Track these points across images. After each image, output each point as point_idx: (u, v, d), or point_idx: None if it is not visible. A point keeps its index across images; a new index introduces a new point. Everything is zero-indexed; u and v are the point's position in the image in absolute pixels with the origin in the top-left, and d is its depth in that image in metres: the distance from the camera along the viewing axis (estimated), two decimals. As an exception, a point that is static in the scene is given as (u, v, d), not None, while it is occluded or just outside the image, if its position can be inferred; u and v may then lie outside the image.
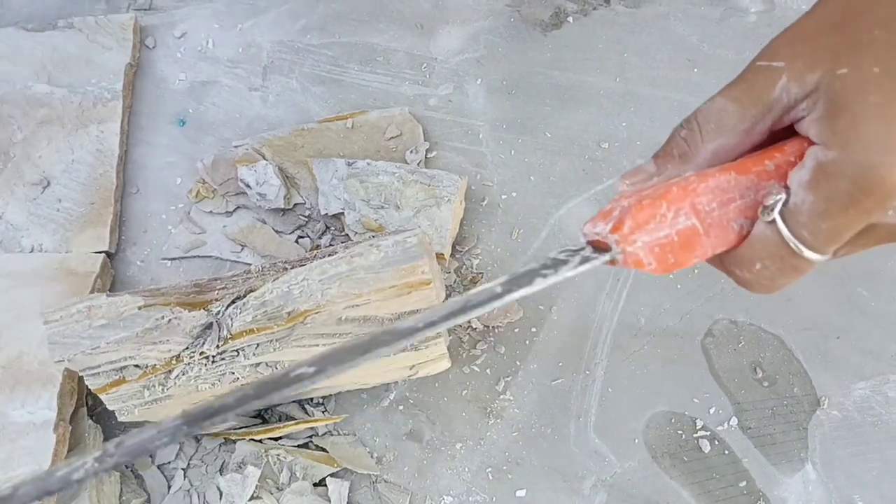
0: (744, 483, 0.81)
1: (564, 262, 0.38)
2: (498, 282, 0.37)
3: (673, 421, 0.84)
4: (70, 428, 0.82)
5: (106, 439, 0.87)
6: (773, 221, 0.36)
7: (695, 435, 0.83)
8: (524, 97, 0.95)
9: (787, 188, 0.36)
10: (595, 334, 0.87)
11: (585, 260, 0.39)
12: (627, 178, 0.41)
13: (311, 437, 0.88)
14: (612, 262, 0.39)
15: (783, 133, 0.38)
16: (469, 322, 0.87)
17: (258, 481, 0.85)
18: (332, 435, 0.89)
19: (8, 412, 0.80)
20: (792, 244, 0.36)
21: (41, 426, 0.79)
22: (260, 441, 0.88)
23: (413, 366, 0.79)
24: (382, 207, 0.88)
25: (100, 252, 0.92)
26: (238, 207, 0.94)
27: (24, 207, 0.96)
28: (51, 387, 0.80)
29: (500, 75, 0.96)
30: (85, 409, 0.86)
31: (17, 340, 0.84)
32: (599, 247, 0.39)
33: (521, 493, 0.83)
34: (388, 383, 0.88)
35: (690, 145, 0.39)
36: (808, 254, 0.36)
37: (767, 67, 0.37)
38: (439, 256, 0.88)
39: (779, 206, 0.36)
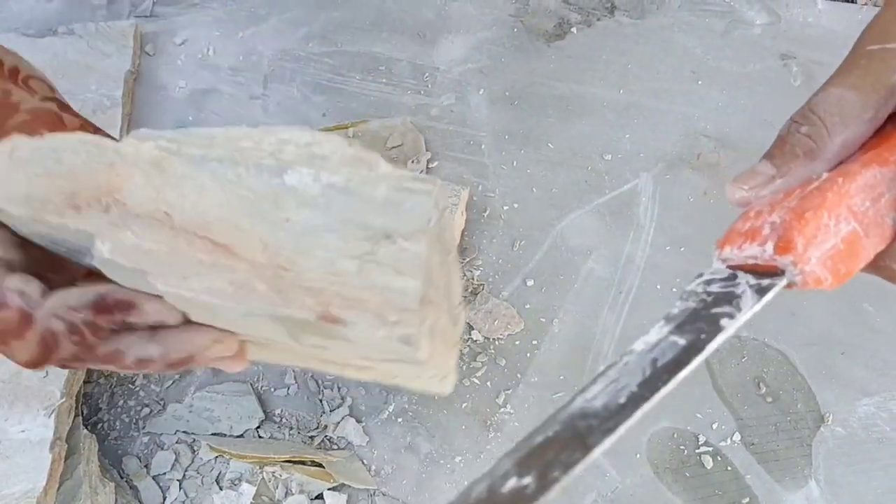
0: (746, 500, 0.81)
1: (737, 297, 0.36)
2: (674, 337, 0.36)
3: (675, 436, 0.84)
4: (66, 446, 0.82)
5: (101, 450, 0.88)
6: None
7: (697, 450, 0.83)
8: (527, 108, 0.96)
9: None
10: (597, 347, 0.88)
11: (762, 289, 0.37)
12: (744, 183, 0.39)
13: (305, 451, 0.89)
14: (790, 285, 0.38)
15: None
16: (469, 334, 0.88)
17: (253, 498, 0.86)
18: (327, 450, 0.89)
19: (6, 428, 0.80)
20: None
21: (37, 444, 0.80)
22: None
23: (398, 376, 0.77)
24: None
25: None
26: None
27: (22, 214, 0.97)
28: (48, 405, 0.81)
29: (502, 86, 0.97)
30: (80, 419, 0.87)
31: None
32: (759, 271, 0.38)
33: (520, 509, 0.83)
34: (388, 394, 0.88)
35: (816, 141, 0.38)
36: None
37: (882, 50, 0.36)
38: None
39: None
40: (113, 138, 0.51)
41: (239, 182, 0.51)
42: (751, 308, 0.36)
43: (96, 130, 0.59)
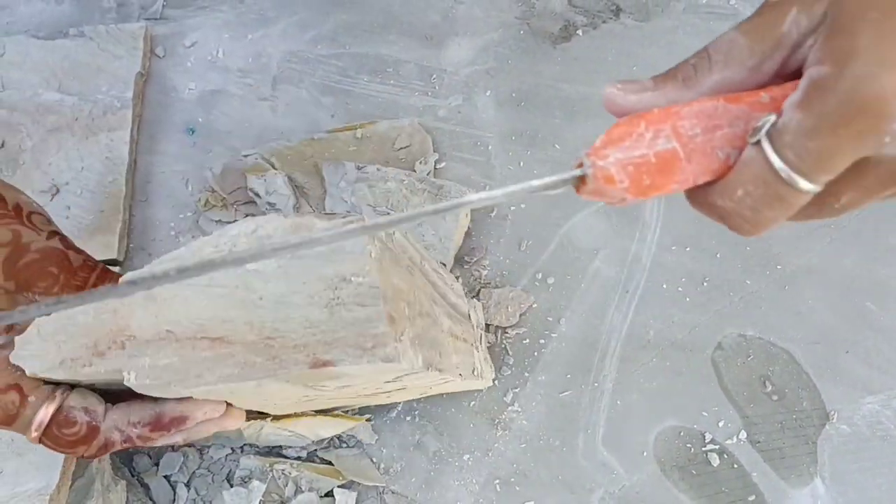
0: (753, 497, 0.82)
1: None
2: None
3: (682, 434, 0.85)
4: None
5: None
6: (759, 143, 0.35)
7: (704, 448, 0.84)
8: (533, 109, 0.97)
9: (779, 114, 0.35)
10: (604, 346, 0.89)
11: (561, 181, 0.39)
12: (621, 84, 0.40)
13: (315, 450, 0.90)
14: (584, 179, 0.39)
15: (791, 80, 0.38)
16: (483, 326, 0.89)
17: (263, 495, 0.87)
18: (336, 448, 0.90)
19: (17, 423, 0.81)
20: (776, 165, 0.35)
21: (49, 438, 0.80)
22: (265, 455, 0.89)
23: (431, 387, 0.80)
24: (388, 213, 0.90)
25: (108, 259, 0.94)
26: (247, 216, 0.96)
27: (33, 215, 0.98)
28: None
29: (509, 87, 0.98)
30: (91, 416, 0.87)
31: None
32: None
33: (528, 506, 0.85)
34: (396, 394, 0.89)
35: (697, 72, 0.38)
36: (795, 178, 0.34)
37: (779, 1, 0.36)
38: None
39: (766, 126, 0.35)
40: (114, 269, 0.59)
41: (212, 283, 0.60)
42: (530, 184, 0.38)
43: (95, 264, 0.67)
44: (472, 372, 0.80)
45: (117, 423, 0.64)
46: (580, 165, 0.39)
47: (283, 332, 0.60)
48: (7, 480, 0.79)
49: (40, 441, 0.62)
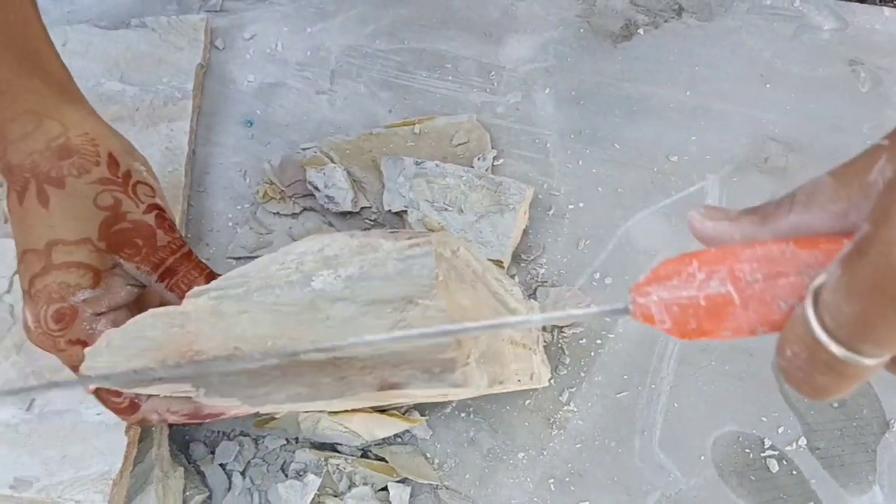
0: (812, 504, 0.82)
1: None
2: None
3: (741, 439, 0.85)
4: (139, 430, 0.84)
5: (171, 437, 0.90)
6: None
7: (762, 454, 0.84)
8: (593, 108, 0.97)
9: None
10: (661, 348, 0.89)
11: (604, 313, 0.39)
12: (704, 208, 0.39)
13: (369, 446, 0.90)
14: (627, 311, 0.38)
15: None
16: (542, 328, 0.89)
17: (318, 489, 0.87)
18: (390, 444, 0.91)
19: (81, 411, 0.83)
20: (814, 328, 0.31)
21: (113, 427, 0.82)
22: (320, 449, 0.90)
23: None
24: (446, 209, 0.91)
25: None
26: (304, 209, 0.97)
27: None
28: (124, 386, 0.83)
29: (568, 85, 0.98)
30: (151, 404, 0.89)
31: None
32: None
33: (583, 506, 0.85)
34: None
35: (778, 209, 0.36)
36: (834, 347, 0.31)
37: (876, 146, 0.33)
38: (498, 264, 0.89)
39: (818, 281, 0.32)
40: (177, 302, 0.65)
41: (278, 302, 0.62)
42: (570, 312, 0.40)
43: (179, 247, 0.71)
44: (531, 377, 0.81)
45: (157, 408, 0.70)
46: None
47: (351, 354, 0.60)
48: (72, 464, 0.80)
49: (94, 394, 0.71)
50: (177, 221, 0.96)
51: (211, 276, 0.72)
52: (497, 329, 0.43)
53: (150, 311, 0.64)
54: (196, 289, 0.63)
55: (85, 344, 0.67)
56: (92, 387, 0.68)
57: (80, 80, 1.01)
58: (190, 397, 0.67)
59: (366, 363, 0.59)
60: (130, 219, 0.69)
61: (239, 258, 0.97)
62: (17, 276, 0.91)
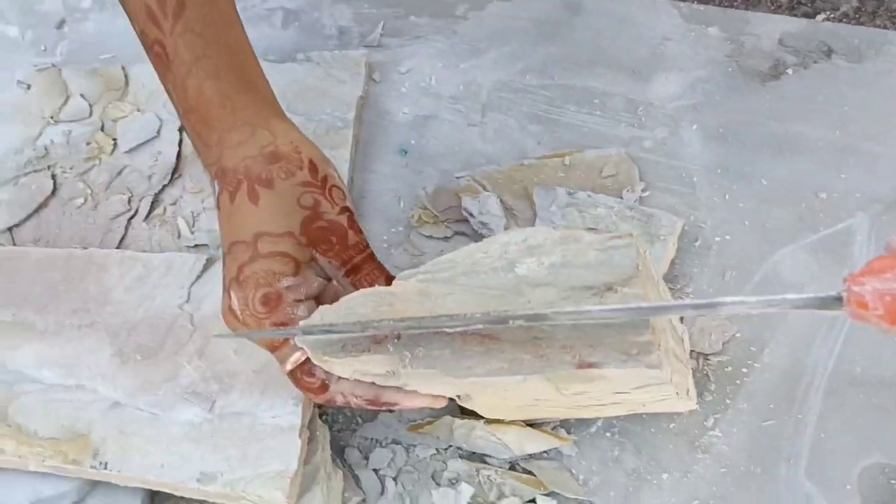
0: (963, 539, 0.88)
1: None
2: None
3: (887, 471, 0.93)
4: (308, 433, 0.97)
5: (332, 440, 1.02)
6: None
7: (911, 486, 0.91)
8: (740, 145, 1.08)
9: None
10: (808, 378, 0.97)
11: (817, 300, 0.49)
12: None
13: (517, 460, 1.01)
14: (839, 300, 0.48)
15: None
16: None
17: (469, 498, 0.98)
18: (537, 459, 1.01)
19: (258, 413, 0.96)
20: None
21: (287, 430, 0.95)
22: (471, 461, 1.01)
23: (645, 404, 0.90)
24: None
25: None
26: (456, 234, 1.10)
27: (259, 222, 1.14)
28: (296, 395, 0.96)
29: (716, 122, 1.09)
30: (317, 409, 1.02)
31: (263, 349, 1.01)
32: None
33: (727, 530, 0.93)
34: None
35: None
36: None
37: None
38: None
39: None
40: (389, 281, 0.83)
41: (483, 285, 0.76)
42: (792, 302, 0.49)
43: (364, 248, 0.87)
44: (687, 392, 0.90)
45: (343, 390, 0.84)
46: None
47: (551, 334, 0.72)
48: (251, 462, 0.94)
49: (289, 374, 0.86)
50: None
51: (390, 278, 0.85)
52: (707, 310, 0.54)
53: (361, 290, 0.78)
54: (404, 273, 0.76)
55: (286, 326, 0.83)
56: (290, 367, 0.85)
57: (253, 109, 1.17)
58: (374, 383, 0.80)
59: (565, 342, 0.71)
60: (327, 218, 0.84)
61: (394, 278, 1.10)
62: (194, 287, 1.07)
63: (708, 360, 1.01)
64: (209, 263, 1.11)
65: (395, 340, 0.77)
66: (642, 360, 0.69)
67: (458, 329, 0.73)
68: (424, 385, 0.81)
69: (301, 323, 0.81)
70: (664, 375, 0.71)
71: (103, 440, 0.98)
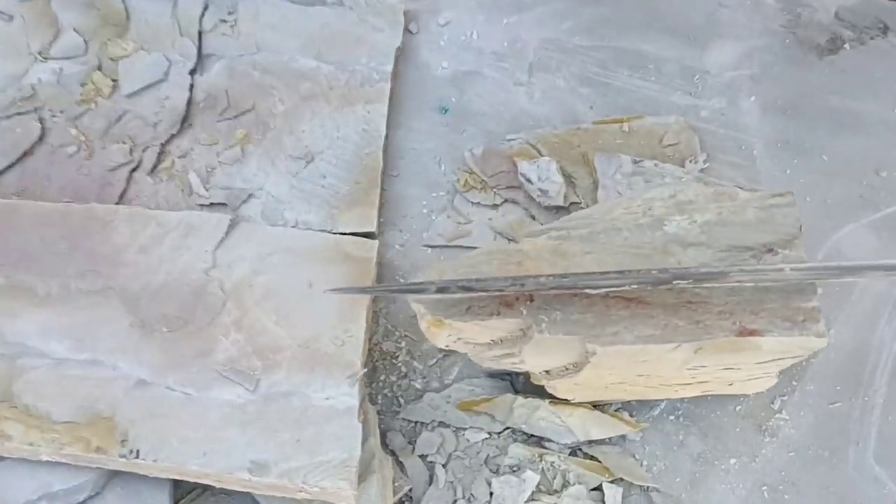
0: None
1: None
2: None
3: (956, 454, 0.91)
4: (363, 415, 0.87)
5: (380, 421, 0.93)
6: None
7: (979, 470, 0.90)
8: (799, 118, 1.04)
9: None
10: (874, 360, 0.95)
11: None
12: None
13: (578, 445, 0.94)
14: None
15: None
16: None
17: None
18: (599, 444, 0.95)
19: (309, 394, 0.87)
20: None
21: (344, 413, 0.86)
22: (530, 446, 0.94)
23: (733, 383, 0.84)
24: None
25: (366, 232, 0.99)
26: (506, 201, 1.02)
27: (286, 181, 1.03)
28: (351, 374, 0.86)
29: (774, 94, 1.05)
30: (366, 390, 0.92)
31: (310, 321, 0.90)
32: None
33: (798, 514, 0.90)
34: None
35: None
36: None
37: None
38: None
39: None
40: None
41: (626, 244, 0.68)
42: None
43: None
44: (777, 374, 0.86)
45: None
46: None
47: (706, 298, 0.65)
48: (306, 449, 0.83)
49: None
50: (374, 204, 1.00)
51: None
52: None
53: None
54: (531, 229, 0.68)
55: None
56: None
57: (275, 55, 1.05)
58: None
59: (724, 308, 0.64)
60: None
61: (436, 246, 1.01)
62: (219, 251, 0.95)
63: (773, 339, 0.97)
64: (233, 224, 0.98)
65: (528, 303, 0.69)
66: (810, 328, 0.63)
67: (602, 291, 0.65)
68: (543, 356, 0.73)
69: (423, 280, 0.71)
70: (825, 344, 0.66)
71: (132, 424, 0.85)
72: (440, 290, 0.70)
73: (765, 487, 0.92)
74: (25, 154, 1.05)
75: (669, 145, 1.02)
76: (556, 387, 0.84)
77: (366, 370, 0.88)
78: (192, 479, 0.84)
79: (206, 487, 0.91)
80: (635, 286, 0.63)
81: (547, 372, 0.80)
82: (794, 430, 0.94)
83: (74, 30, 1.08)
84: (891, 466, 0.92)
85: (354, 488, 0.81)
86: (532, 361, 0.75)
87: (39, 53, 1.07)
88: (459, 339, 0.74)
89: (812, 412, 0.94)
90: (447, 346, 0.76)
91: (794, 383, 0.95)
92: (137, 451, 0.82)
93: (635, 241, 0.67)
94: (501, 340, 0.73)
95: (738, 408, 0.95)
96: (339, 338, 0.89)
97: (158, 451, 0.82)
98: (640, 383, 0.83)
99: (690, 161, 1.02)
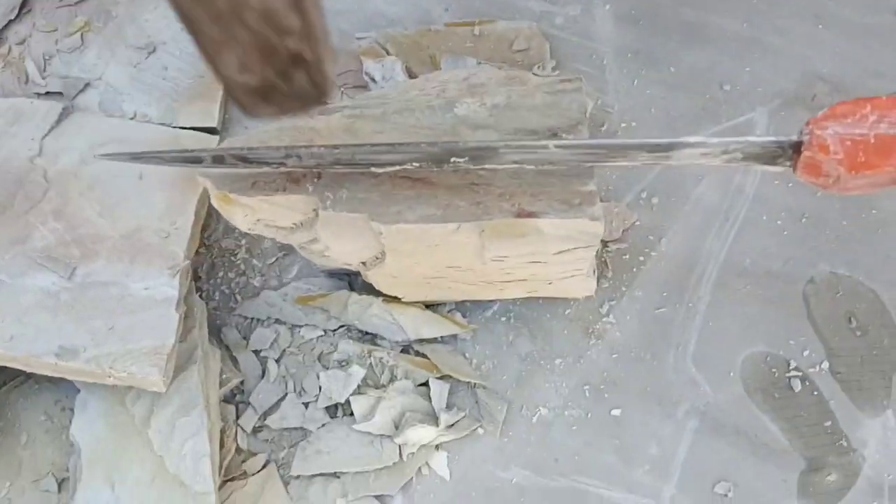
0: (829, 423, 0.92)
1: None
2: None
3: (768, 359, 0.94)
4: (185, 308, 0.86)
5: (208, 318, 0.92)
6: None
7: (787, 374, 0.94)
8: (651, 28, 1.03)
9: None
10: (701, 269, 0.97)
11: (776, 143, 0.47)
12: None
13: (409, 343, 0.95)
14: (799, 145, 0.47)
15: None
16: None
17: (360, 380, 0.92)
18: (430, 342, 0.96)
19: (127, 284, 0.85)
20: None
21: (162, 303, 0.84)
22: (361, 343, 0.94)
23: (552, 281, 0.85)
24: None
25: (207, 128, 0.97)
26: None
27: (126, 71, 0.99)
28: (173, 265, 0.85)
29: (629, 3, 1.04)
30: (194, 283, 0.91)
31: (136, 212, 0.89)
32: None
33: (615, 413, 0.93)
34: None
35: None
36: None
37: None
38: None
39: None
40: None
41: (417, 125, 0.66)
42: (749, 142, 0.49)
43: None
44: (593, 272, 0.87)
45: None
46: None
47: (489, 180, 0.64)
48: (120, 336, 0.83)
49: None
50: (217, 99, 0.98)
51: None
52: (664, 152, 0.50)
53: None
54: (326, 107, 0.66)
55: None
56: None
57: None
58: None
59: (504, 189, 0.63)
60: None
61: (281, 144, 0.99)
62: (47, 139, 0.92)
63: (607, 247, 0.98)
64: (66, 113, 0.95)
65: (316, 180, 0.67)
66: (585, 211, 0.63)
67: (388, 170, 0.64)
68: (339, 239, 0.72)
69: (208, 149, 0.69)
70: (602, 231, 0.66)
71: (-61, 306, 0.84)
72: (216, 161, 0.68)
73: (587, 386, 0.95)
74: None
75: (519, 51, 1.01)
76: (376, 280, 0.84)
77: (188, 262, 0.87)
78: (6, 364, 0.83)
79: (29, 375, 0.90)
80: (416, 165, 0.62)
81: (363, 263, 0.79)
82: (620, 334, 0.96)
83: None
84: (707, 369, 0.95)
85: (164, 375, 0.81)
86: (334, 247, 0.74)
87: None
88: (259, 220, 0.73)
89: (637, 317, 0.97)
90: (251, 230, 0.75)
91: (623, 289, 0.97)
92: (-57, 333, 0.81)
93: (426, 122, 0.66)
94: (301, 224, 0.72)
95: (567, 311, 0.97)
96: (164, 230, 0.88)
97: (-36, 333, 0.81)
98: (461, 280, 0.83)
99: (538, 67, 1.01)
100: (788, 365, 0.95)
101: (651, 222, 0.98)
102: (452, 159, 0.60)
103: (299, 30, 0.37)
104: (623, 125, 1.01)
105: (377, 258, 0.75)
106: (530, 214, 0.64)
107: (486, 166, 0.62)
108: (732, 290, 0.97)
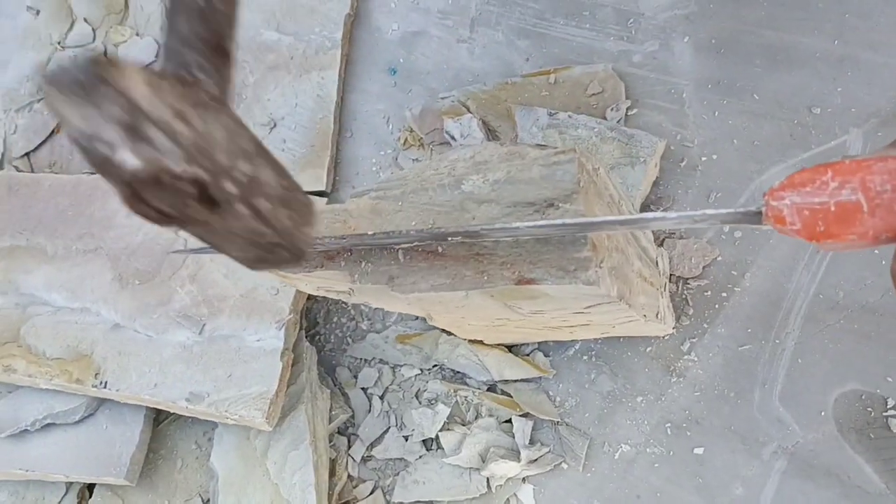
0: (934, 467, 0.85)
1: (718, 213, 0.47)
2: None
3: (863, 398, 0.89)
4: (293, 355, 0.99)
5: (318, 360, 1.04)
6: None
7: (884, 413, 0.88)
8: (733, 57, 1.00)
9: None
10: (789, 304, 0.93)
11: (738, 215, 0.46)
12: None
13: (495, 382, 1.01)
14: (759, 214, 0.45)
15: None
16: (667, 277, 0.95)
17: (447, 418, 0.99)
18: (515, 381, 1.01)
19: (244, 337, 0.98)
20: None
21: (270, 353, 0.97)
22: (450, 381, 1.01)
23: (614, 326, 0.87)
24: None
25: (317, 191, 1.08)
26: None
27: (253, 146, 1.13)
28: (279, 319, 0.97)
29: (708, 33, 1.01)
30: (303, 332, 1.03)
31: (253, 273, 1.02)
32: None
33: (698, 451, 0.92)
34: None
35: None
36: None
37: None
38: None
39: None
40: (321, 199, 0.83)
41: (431, 202, 0.72)
42: (707, 218, 0.47)
43: None
44: (656, 315, 0.88)
45: None
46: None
47: (492, 250, 0.70)
48: (236, 383, 0.96)
49: None
50: (325, 166, 1.09)
51: None
52: (632, 226, 0.52)
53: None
54: (357, 190, 0.76)
55: None
56: None
57: (243, 30, 1.14)
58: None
59: (505, 259, 0.69)
60: None
61: (381, 200, 1.09)
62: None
63: (687, 283, 0.97)
64: (206, 188, 1.12)
65: (347, 255, 0.77)
66: (579, 277, 0.66)
67: (403, 245, 0.72)
68: (382, 303, 0.81)
69: None
70: (602, 292, 0.69)
71: (104, 360, 1.02)
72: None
73: (668, 424, 0.95)
74: (53, 132, 1.22)
75: (594, 94, 1.02)
76: (444, 326, 0.92)
77: (292, 315, 0.99)
78: (148, 405, 1.01)
79: (179, 415, 1.07)
80: (417, 242, 0.70)
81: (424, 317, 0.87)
82: (702, 371, 0.95)
83: (84, 20, 1.23)
84: (795, 408, 0.91)
85: (267, 417, 0.93)
86: (387, 307, 0.83)
87: (59, 43, 1.23)
88: (319, 287, 0.82)
89: (721, 354, 0.95)
90: (317, 293, 0.85)
91: (706, 326, 0.96)
92: (106, 383, 0.99)
93: (438, 200, 0.72)
94: (352, 290, 0.81)
95: (648, 349, 0.97)
96: (275, 287, 1.01)
97: (121, 383, 0.98)
98: (524, 325, 0.88)
99: (612, 109, 1.02)
100: (886, 403, 0.89)
101: (734, 257, 0.96)
102: (449, 239, 0.66)
103: (273, 232, 0.55)
104: (704, 158, 0.99)
105: (428, 314, 0.83)
106: (529, 281, 0.68)
107: (483, 241, 0.68)
108: (824, 324, 0.92)
